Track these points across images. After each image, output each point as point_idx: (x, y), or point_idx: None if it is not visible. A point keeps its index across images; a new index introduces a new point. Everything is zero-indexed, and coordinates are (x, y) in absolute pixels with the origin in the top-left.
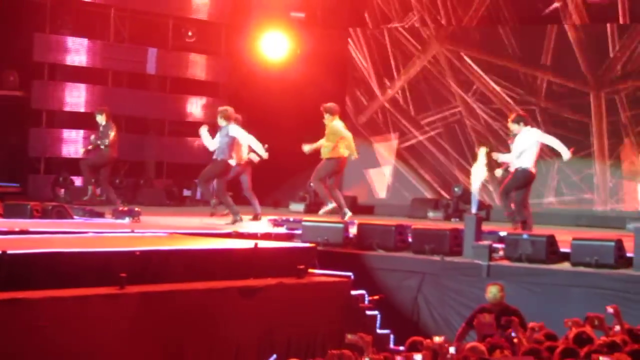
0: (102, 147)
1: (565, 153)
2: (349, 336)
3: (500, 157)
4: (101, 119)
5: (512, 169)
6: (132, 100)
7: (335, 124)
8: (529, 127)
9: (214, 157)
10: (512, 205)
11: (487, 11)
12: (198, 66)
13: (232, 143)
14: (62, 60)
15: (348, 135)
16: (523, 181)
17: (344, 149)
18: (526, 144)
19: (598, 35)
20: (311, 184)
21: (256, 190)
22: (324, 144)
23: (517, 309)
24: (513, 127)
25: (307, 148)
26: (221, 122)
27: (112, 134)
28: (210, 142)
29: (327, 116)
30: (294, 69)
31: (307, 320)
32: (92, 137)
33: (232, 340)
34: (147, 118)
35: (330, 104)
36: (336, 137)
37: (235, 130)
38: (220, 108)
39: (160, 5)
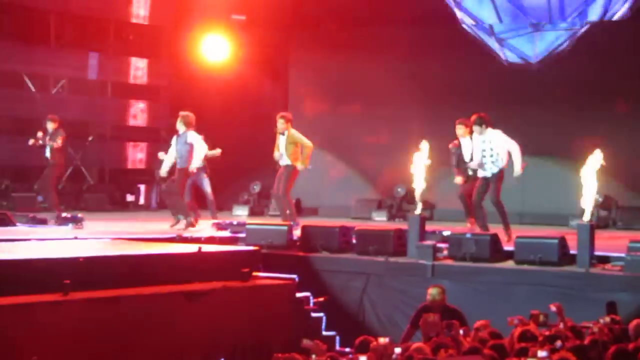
0: (48, 155)
1: (518, 166)
2: (305, 341)
3: (471, 165)
4: (51, 127)
5: (482, 173)
6: (74, 106)
7: (296, 132)
8: (490, 129)
9: (178, 166)
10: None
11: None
12: (139, 70)
13: (191, 150)
14: (1, 67)
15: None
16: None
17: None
18: (497, 145)
19: None
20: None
21: (200, 193)
22: (289, 153)
23: (457, 308)
24: (475, 129)
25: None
26: (181, 127)
27: (59, 140)
28: (170, 157)
29: (283, 123)
30: (236, 71)
31: (253, 323)
32: (39, 133)
33: (177, 344)
34: (89, 123)
35: (287, 113)
36: (298, 144)
37: (194, 137)
38: (182, 113)
39: (101, 10)
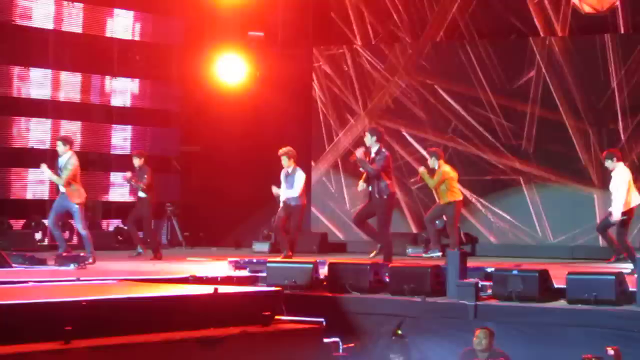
0: (140, 191)
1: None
2: None
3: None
4: (137, 163)
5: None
6: (75, 133)
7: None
8: (621, 163)
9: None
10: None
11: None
12: (147, 94)
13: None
14: None
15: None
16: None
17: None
18: (624, 180)
19: (591, 58)
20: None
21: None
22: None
23: (504, 353)
24: (607, 164)
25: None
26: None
27: (145, 178)
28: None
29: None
30: (254, 93)
31: None
32: (129, 173)
33: None
34: (92, 152)
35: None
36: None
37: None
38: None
39: (104, 28)
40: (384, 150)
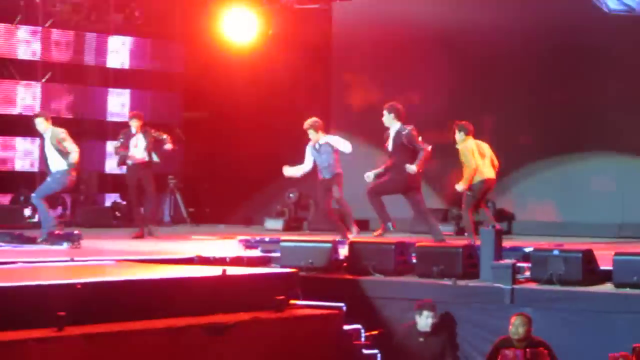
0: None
1: None
2: None
3: None
4: (135, 125)
5: None
6: (68, 97)
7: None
8: None
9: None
10: None
11: None
12: (147, 53)
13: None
14: None
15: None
16: None
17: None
18: None
19: None
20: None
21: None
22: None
23: (544, 341)
24: None
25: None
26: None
27: (144, 144)
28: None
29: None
30: (266, 53)
31: None
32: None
33: None
34: (86, 119)
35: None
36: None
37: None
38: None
39: None
40: (406, 126)
